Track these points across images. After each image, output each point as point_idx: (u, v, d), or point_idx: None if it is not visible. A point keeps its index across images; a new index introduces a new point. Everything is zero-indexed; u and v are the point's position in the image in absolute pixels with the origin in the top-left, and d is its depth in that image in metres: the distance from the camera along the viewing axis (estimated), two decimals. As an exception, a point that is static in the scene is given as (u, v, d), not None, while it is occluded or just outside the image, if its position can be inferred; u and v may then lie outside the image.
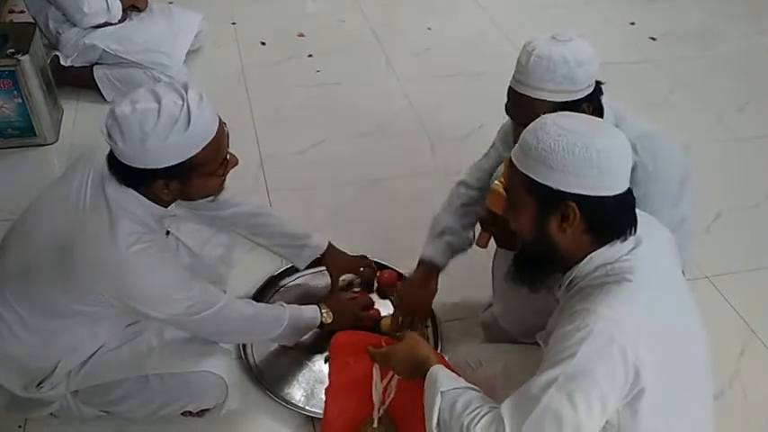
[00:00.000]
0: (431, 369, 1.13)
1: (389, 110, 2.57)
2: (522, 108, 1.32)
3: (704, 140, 2.47)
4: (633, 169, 1.31)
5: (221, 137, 1.20)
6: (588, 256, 1.04)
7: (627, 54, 2.99)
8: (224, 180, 1.28)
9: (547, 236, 1.05)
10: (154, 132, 1.10)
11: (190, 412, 1.44)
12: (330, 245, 1.72)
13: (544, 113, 1.20)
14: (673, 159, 1.40)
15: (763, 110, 2.71)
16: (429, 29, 3.08)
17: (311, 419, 1.51)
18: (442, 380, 1.10)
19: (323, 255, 1.70)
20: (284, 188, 2.18)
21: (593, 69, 1.31)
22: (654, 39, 3.11)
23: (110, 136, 1.13)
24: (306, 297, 1.77)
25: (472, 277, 1.87)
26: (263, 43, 2.92)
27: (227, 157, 1.25)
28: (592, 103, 1.33)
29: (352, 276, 1.83)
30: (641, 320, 0.98)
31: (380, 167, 2.28)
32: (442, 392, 1.06)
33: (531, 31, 3.22)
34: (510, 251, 1.47)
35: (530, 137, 1.05)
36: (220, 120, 1.21)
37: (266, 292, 1.77)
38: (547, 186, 1.01)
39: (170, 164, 1.14)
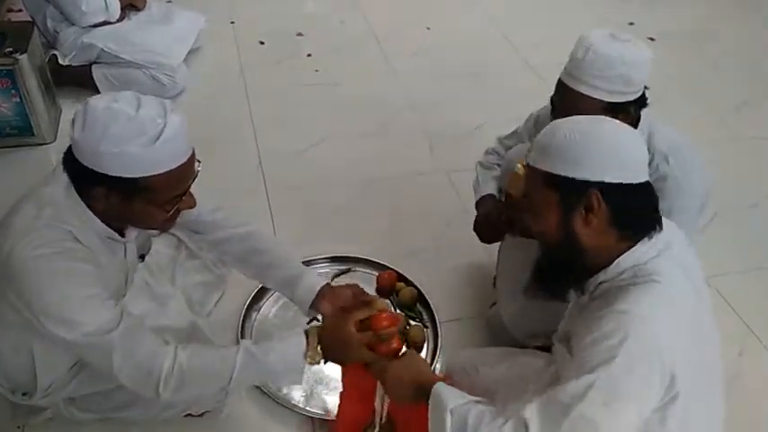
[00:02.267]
0: (434, 387, 1.08)
1: (388, 109, 2.56)
2: (571, 103, 1.29)
3: (702, 140, 2.46)
4: (664, 179, 1.32)
5: (185, 172, 1.11)
6: (616, 261, 1.01)
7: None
8: (172, 218, 1.16)
9: (572, 233, 1.02)
10: (114, 136, 1.02)
11: (191, 414, 1.44)
12: (326, 285, 1.37)
13: (591, 112, 1.19)
14: (702, 175, 1.39)
15: (761, 110, 2.71)
16: (428, 28, 3.08)
17: (311, 420, 1.51)
18: (448, 396, 1.05)
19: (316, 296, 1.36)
20: (283, 188, 2.17)
21: (646, 72, 1.29)
22: (652, 39, 3.11)
23: (73, 124, 1.06)
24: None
25: (472, 277, 1.88)
26: (262, 43, 2.92)
27: (184, 196, 1.14)
28: (638, 109, 1.32)
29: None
30: (677, 322, 0.96)
31: (380, 167, 2.28)
32: (451, 410, 1.02)
33: (531, 32, 3.25)
34: (516, 252, 1.47)
35: (543, 136, 1.05)
36: (193, 156, 1.13)
37: (265, 293, 1.76)
38: (568, 177, 1.00)
39: (118, 174, 1.05)
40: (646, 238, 1.01)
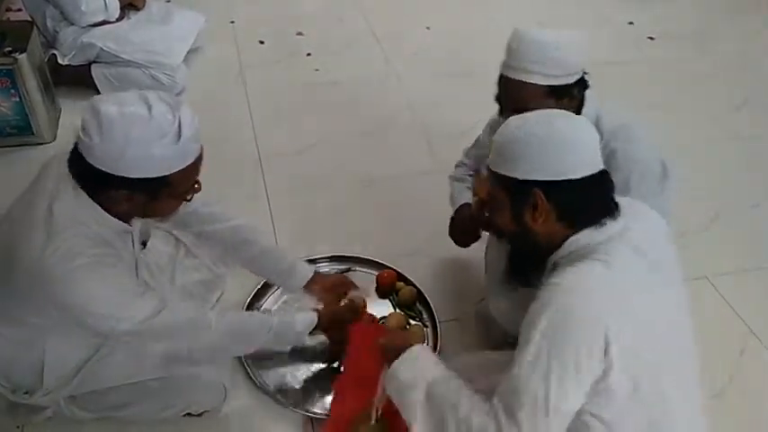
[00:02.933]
0: (415, 347, 1.18)
1: (388, 108, 2.56)
2: (514, 93, 1.34)
3: (703, 140, 2.47)
4: (614, 154, 1.34)
5: (200, 160, 1.16)
6: (565, 244, 1.05)
7: (625, 54, 2.98)
8: (181, 205, 1.23)
9: (525, 228, 1.07)
10: (139, 140, 1.04)
11: (190, 413, 1.44)
12: (315, 273, 1.59)
13: (535, 99, 1.25)
14: (649, 145, 1.42)
15: (761, 109, 2.71)
16: (428, 28, 3.08)
17: (310, 420, 1.51)
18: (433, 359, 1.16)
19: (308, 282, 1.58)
20: (283, 187, 2.17)
21: (581, 56, 1.33)
22: (652, 38, 3.11)
23: (85, 132, 1.06)
24: (304, 297, 1.76)
25: (471, 277, 1.87)
26: (262, 42, 2.92)
27: (198, 182, 1.21)
28: (580, 91, 1.35)
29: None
30: (609, 295, 0.98)
31: (379, 166, 2.28)
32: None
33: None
34: (500, 248, 1.49)
35: (496, 135, 1.09)
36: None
37: (265, 292, 1.76)
38: (512, 178, 1.05)
39: (145, 176, 1.08)
40: (596, 225, 1.04)
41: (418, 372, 1.13)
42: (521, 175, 1.04)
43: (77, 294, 1.11)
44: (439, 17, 3.16)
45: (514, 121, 1.09)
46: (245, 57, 2.82)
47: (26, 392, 1.32)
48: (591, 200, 1.05)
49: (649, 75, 2.87)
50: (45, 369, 1.28)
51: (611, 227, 1.04)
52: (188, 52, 2.59)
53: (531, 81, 1.30)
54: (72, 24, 2.39)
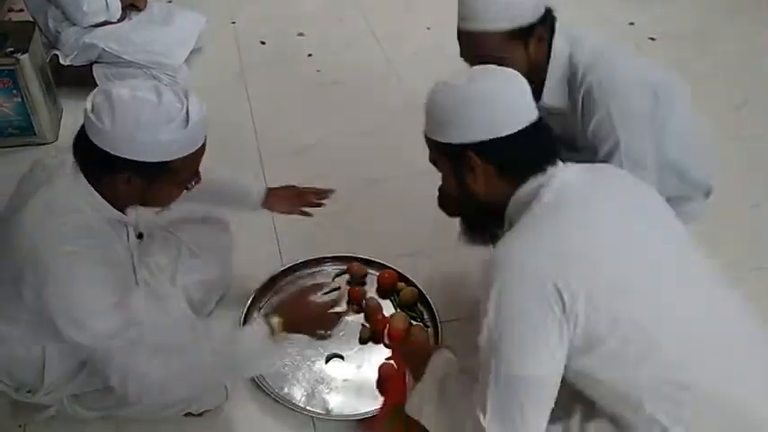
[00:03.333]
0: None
1: (389, 109, 2.56)
2: (472, 46, 1.33)
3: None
4: (588, 95, 1.29)
5: (203, 150, 1.19)
6: (512, 198, 1.05)
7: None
8: (180, 194, 1.25)
9: (469, 191, 1.07)
10: (148, 124, 1.07)
11: (191, 413, 1.44)
12: (269, 189, 1.68)
13: (496, 48, 1.24)
14: (632, 68, 1.34)
15: (761, 109, 2.71)
16: (428, 28, 3.08)
17: (311, 419, 1.51)
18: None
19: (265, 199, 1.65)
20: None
21: None
22: (653, 39, 3.11)
23: (96, 114, 1.08)
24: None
25: (472, 277, 1.88)
26: (263, 43, 2.92)
27: (198, 172, 1.23)
28: (546, 30, 1.33)
29: (324, 279, 1.71)
30: (550, 245, 0.96)
31: (381, 167, 2.28)
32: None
33: None
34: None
35: (425, 102, 1.11)
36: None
37: (266, 291, 1.77)
38: (446, 144, 1.06)
39: (150, 160, 1.11)
40: (539, 173, 1.03)
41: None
42: (454, 140, 1.04)
43: (56, 283, 1.11)
44: (440, 17, 3.15)
45: (438, 85, 1.09)
46: (246, 57, 2.82)
47: (29, 391, 1.32)
48: (527, 153, 1.03)
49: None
50: (45, 368, 1.28)
51: (553, 170, 1.03)
52: (189, 53, 2.60)
53: (487, 29, 1.27)
54: (74, 25, 2.40)
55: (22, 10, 2.83)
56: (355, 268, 1.82)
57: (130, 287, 1.33)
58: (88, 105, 1.11)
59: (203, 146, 1.18)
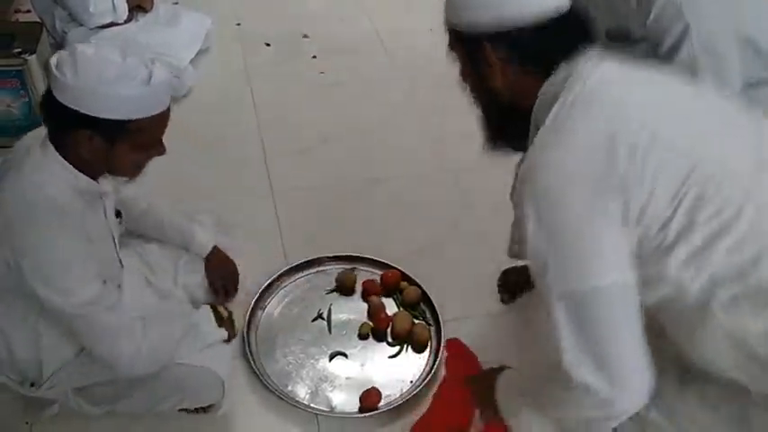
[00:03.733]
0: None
1: (393, 109, 2.58)
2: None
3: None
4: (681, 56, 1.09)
5: (167, 117, 1.19)
6: (538, 98, 0.93)
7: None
8: (145, 164, 1.25)
9: (490, 89, 0.98)
10: (110, 80, 1.08)
11: (186, 409, 1.45)
12: (214, 248, 1.66)
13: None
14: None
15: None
16: (431, 29, 3.08)
17: (315, 416, 1.53)
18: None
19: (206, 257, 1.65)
20: (288, 188, 2.19)
21: None
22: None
23: (59, 68, 1.10)
24: (308, 296, 1.79)
25: (477, 277, 1.89)
26: (268, 44, 2.94)
27: (161, 140, 1.23)
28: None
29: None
30: (587, 152, 0.83)
31: (384, 167, 2.29)
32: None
33: None
34: None
35: None
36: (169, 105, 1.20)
37: (268, 293, 1.78)
38: (461, 32, 0.97)
39: (111, 117, 1.10)
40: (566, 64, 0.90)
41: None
42: (466, 28, 0.95)
43: (34, 254, 1.13)
44: (441, 19, 3.17)
45: None
46: (250, 58, 2.84)
47: (32, 384, 1.34)
48: (551, 47, 0.91)
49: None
50: (43, 356, 1.30)
51: (585, 61, 0.89)
52: (195, 54, 2.61)
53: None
54: (81, 26, 2.42)
55: (29, 11, 2.85)
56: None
57: (112, 265, 1.34)
58: (53, 61, 1.12)
59: (167, 114, 1.18)
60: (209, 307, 1.48)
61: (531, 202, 0.85)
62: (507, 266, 1.85)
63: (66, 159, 1.17)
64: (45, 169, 1.16)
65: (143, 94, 1.11)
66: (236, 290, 1.73)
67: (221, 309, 1.49)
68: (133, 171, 1.26)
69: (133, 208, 1.57)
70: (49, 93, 1.13)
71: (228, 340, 1.46)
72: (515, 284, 1.82)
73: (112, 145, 1.15)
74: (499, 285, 1.84)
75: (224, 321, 1.46)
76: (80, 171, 1.19)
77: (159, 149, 1.24)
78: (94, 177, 1.23)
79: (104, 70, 1.09)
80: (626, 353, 0.82)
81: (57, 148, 1.17)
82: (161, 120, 1.18)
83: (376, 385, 1.57)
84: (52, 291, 1.15)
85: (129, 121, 1.12)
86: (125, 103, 1.11)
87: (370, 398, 1.54)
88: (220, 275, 1.68)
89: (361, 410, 1.53)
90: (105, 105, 1.10)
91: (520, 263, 1.84)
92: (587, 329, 0.82)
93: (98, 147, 1.14)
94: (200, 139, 2.35)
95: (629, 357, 0.82)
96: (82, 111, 1.10)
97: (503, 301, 1.82)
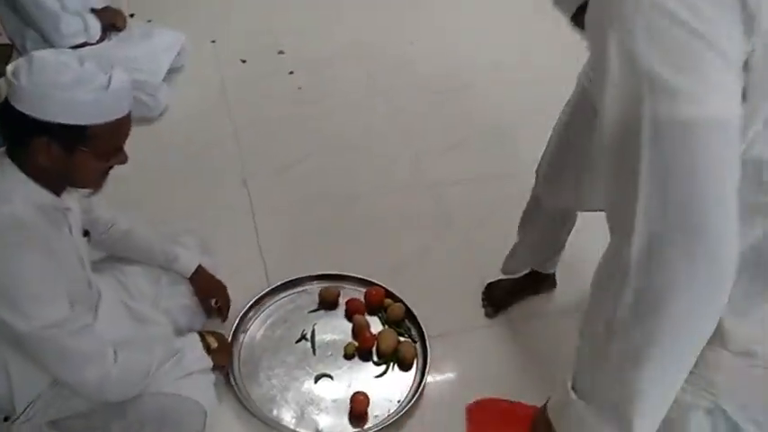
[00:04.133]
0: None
1: (373, 125, 2.57)
2: None
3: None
4: None
5: (127, 124, 1.15)
6: None
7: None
8: (106, 174, 1.21)
9: None
10: (66, 84, 1.05)
11: None
12: (199, 268, 1.64)
13: None
14: None
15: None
16: (411, 43, 3.10)
17: (301, 441, 1.50)
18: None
19: (191, 277, 1.63)
20: (269, 206, 2.17)
21: None
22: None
23: (15, 74, 1.06)
24: (291, 317, 1.76)
25: (460, 292, 1.88)
26: (244, 61, 2.92)
27: (122, 149, 1.19)
28: None
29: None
30: None
31: (365, 183, 2.28)
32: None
33: (515, 45, 3.23)
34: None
35: None
36: (130, 112, 1.16)
37: (251, 314, 1.75)
38: None
39: (68, 122, 1.07)
40: None
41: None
42: None
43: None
44: (422, 33, 3.19)
45: None
46: (227, 76, 2.82)
47: (6, 419, 1.29)
48: None
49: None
50: (14, 389, 1.25)
51: None
52: (171, 72, 2.59)
53: None
54: (52, 47, 2.38)
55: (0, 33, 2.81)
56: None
57: (80, 285, 1.30)
58: (9, 69, 1.09)
59: (127, 120, 1.14)
60: (196, 334, 1.46)
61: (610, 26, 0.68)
62: (491, 280, 1.85)
63: (25, 173, 1.13)
64: (3, 185, 1.12)
65: (101, 98, 1.08)
66: (228, 307, 1.70)
67: (210, 338, 1.46)
68: (95, 181, 1.22)
69: (114, 230, 1.54)
70: (5, 102, 1.09)
71: (222, 369, 1.42)
72: (500, 299, 1.82)
73: (71, 153, 1.11)
74: (483, 299, 1.84)
75: (212, 351, 1.43)
76: (41, 185, 1.15)
77: (120, 158, 1.20)
78: (56, 192, 1.19)
79: (61, 74, 1.06)
80: (722, 225, 0.67)
81: (15, 162, 1.13)
82: (121, 126, 1.14)
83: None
84: (16, 313, 1.10)
85: (88, 127, 1.09)
86: (82, 108, 1.07)
87: (358, 402, 1.53)
88: (210, 294, 1.66)
89: (350, 419, 1.52)
90: (61, 110, 1.06)
91: (504, 277, 1.84)
92: (675, 178, 0.66)
93: (57, 155, 1.10)
94: (177, 159, 2.32)
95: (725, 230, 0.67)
96: (38, 116, 1.06)
97: (487, 315, 1.82)
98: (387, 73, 2.89)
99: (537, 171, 1.56)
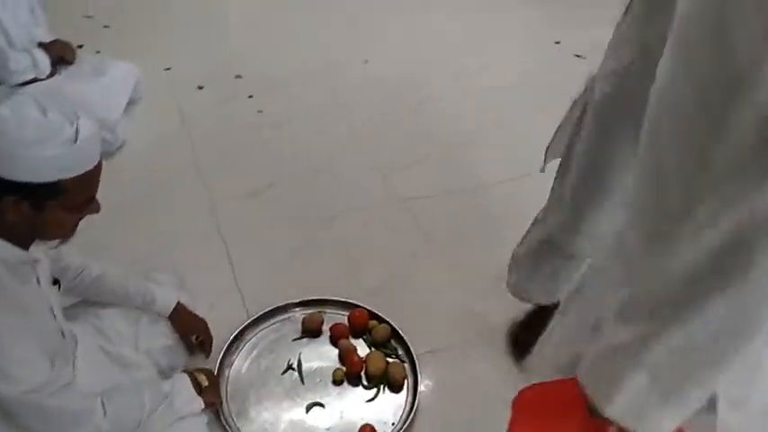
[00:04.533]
0: None
1: (337, 144, 2.56)
2: None
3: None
4: None
5: (98, 173, 1.12)
6: None
7: (554, 71, 3.07)
8: (77, 225, 1.17)
9: None
10: (32, 140, 1.01)
11: None
12: (177, 305, 1.60)
13: None
14: None
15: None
16: (367, 61, 3.11)
17: (298, 474, 1.47)
18: None
19: (170, 315, 1.59)
20: (240, 233, 2.13)
21: None
22: (579, 56, 3.24)
23: None
24: (276, 347, 1.73)
25: (443, 306, 1.88)
26: (201, 88, 2.87)
27: (94, 198, 1.16)
28: None
29: None
30: None
31: (336, 203, 2.27)
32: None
33: (467, 58, 3.26)
34: None
35: None
36: (101, 158, 1.13)
37: (234, 347, 1.71)
38: None
39: (36, 180, 1.03)
40: None
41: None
42: None
43: None
44: (377, 48, 3.20)
45: None
46: (184, 104, 2.76)
47: None
48: None
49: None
50: None
51: None
52: (127, 104, 2.52)
53: None
54: (1, 84, 2.29)
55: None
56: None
57: (54, 337, 1.25)
58: None
59: (98, 169, 1.11)
60: (185, 375, 1.41)
61: None
62: (519, 321, 1.75)
63: None
64: None
65: (69, 152, 1.04)
66: (210, 342, 1.65)
67: (200, 377, 1.42)
68: (65, 233, 1.18)
69: (85, 276, 1.48)
70: None
71: (213, 407, 1.38)
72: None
73: (41, 209, 1.07)
74: (513, 341, 1.74)
75: (204, 389, 1.39)
76: (8, 240, 1.10)
77: (93, 207, 1.16)
78: (24, 246, 1.14)
79: (24, 130, 1.01)
80: None
81: None
82: (92, 177, 1.11)
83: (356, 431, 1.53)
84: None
85: (58, 182, 1.05)
86: (50, 164, 1.03)
87: None
88: (191, 331, 1.62)
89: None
90: (28, 168, 1.02)
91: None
92: None
93: (26, 213, 1.06)
94: (140, 193, 2.26)
95: None
96: (3, 176, 1.02)
97: (517, 359, 1.69)
98: (346, 91, 2.89)
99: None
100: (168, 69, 2.98)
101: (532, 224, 1.58)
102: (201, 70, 2.98)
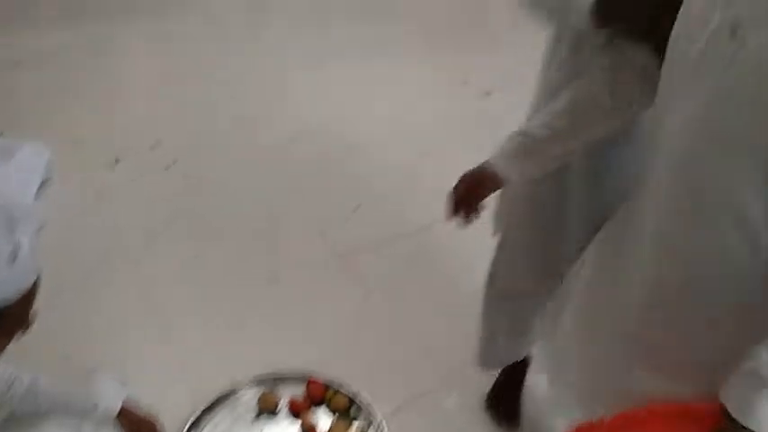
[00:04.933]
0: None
1: (269, 201, 2.52)
2: None
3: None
4: None
5: (36, 288, 1.07)
6: None
7: (462, 109, 3.17)
8: (7, 346, 1.11)
9: None
10: None
11: None
12: (122, 409, 1.49)
13: None
14: None
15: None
16: (283, 117, 3.08)
17: None
18: None
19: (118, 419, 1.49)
20: (176, 312, 2.04)
21: None
22: (489, 93, 3.36)
23: None
24: (236, 427, 1.67)
25: (393, 359, 1.88)
26: (118, 161, 2.75)
27: (27, 317, 1.09)
28: None
29: None
30: None
31: (278, 265, 2.22)
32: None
33: (382, 101, 3.24)
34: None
35: None
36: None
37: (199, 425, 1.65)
38: None
39: None
40: None
41: None
42: None
43: None
44: (301, 102, 3.16)
45: None
46: (101, 179, 2.62)
47: None
48: None
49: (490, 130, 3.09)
50: None
51: None
52: (39, 187, 2.38)
53: None
54: None
55: None
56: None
57: None
58: None
59: (36, 285, 1.06)
60: None
61: None
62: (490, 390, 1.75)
63: None
64: None
65: (7, 276, 0.98)
66: None
67: None
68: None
69: (16, 387, 1.35)
70: None
71: None
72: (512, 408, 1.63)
73: None
74: (491, 409, 1.72)
75: None
76: None
77: (24, 327, 1.09)
78: None
79: None
80: None
81: None
82: (30, 295, 1.05)
83: None
84: None
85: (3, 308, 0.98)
86: None
87: None
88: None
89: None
90: None
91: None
92: None
93: None
94: (61, 283, 2.11)
95: None
96: None
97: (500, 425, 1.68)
98: (270, 146, 2.83)
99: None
100: (78, 143, 2.83)
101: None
102: (115, 142, 2.84)
